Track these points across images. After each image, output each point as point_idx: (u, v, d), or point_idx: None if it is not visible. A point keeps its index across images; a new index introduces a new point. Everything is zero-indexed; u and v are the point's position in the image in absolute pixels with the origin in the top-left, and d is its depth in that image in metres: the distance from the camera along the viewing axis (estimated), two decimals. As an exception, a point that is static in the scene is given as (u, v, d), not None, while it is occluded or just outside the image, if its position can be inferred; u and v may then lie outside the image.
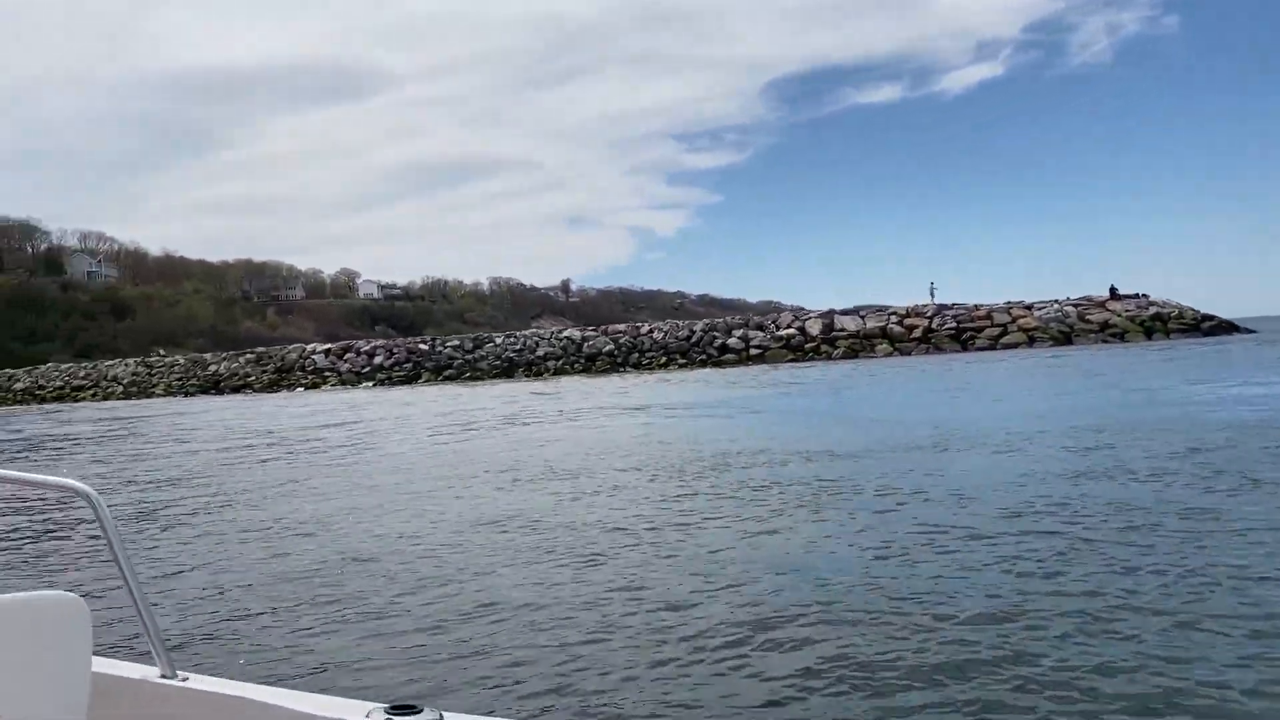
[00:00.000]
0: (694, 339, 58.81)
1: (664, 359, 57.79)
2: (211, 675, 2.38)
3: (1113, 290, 53.21)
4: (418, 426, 23.98)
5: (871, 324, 56.21)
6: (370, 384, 59.69)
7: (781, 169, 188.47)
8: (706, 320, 60.76)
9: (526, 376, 58.30)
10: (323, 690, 2.47)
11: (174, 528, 10.72)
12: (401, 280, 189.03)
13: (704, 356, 57.30)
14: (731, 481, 11.68)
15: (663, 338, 59.69)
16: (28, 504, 12.92)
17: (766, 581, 6.69)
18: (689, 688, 4.75)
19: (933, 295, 57.20)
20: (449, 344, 63.95)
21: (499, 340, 63.35)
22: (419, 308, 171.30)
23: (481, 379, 58.44)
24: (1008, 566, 6.69)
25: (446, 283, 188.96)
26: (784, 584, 6.60)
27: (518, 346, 61.97)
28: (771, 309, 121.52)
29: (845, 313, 57.72)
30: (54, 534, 10.91)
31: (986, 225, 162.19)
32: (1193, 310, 51.69)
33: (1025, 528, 7.96)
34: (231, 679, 2.36)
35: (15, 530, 11.22)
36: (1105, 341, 50.19)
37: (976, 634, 5.23)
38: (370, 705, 2.07)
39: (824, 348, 55.49)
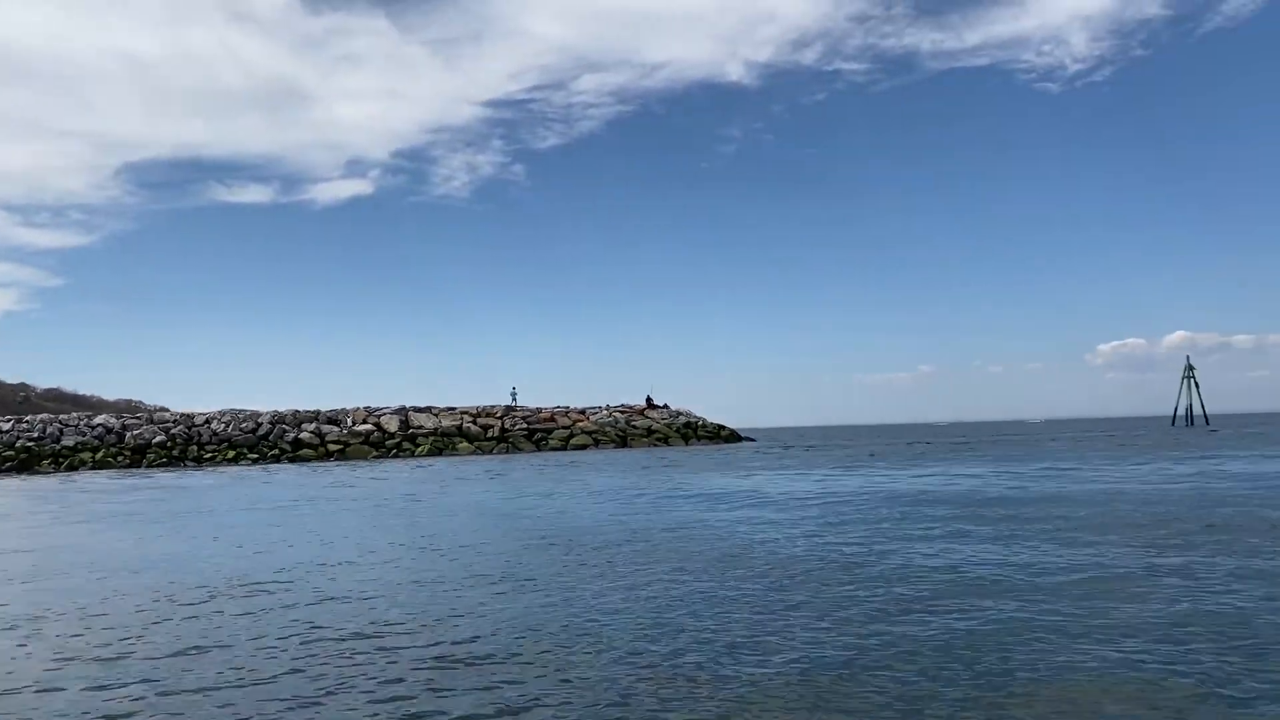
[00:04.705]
0: (261, 432, 55.69)
1: (231, 453, 53.82)
2: None
3: (649, 400, 62.83)
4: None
5: (448, 422, 58.74)
6: None
7: (139, 258, 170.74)
8: (273, 412, 57.79)
9: (55, 469, 49.91)
10: None
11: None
12: None
13: (276, 451, 54.64)
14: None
15: (225, 429, 55.47)
16: None
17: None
18: None
19: (514, 398, 61.34)
20: (-67, 429, 51.71)
21: (6, 426, 53.00)
22: None
23: (-9, 473, 48.52)
24: None
25: None
26: None
27: (35, 434, 52.60)
28: (132, 407, 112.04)
29: (420, 410, 59.37)
30: None
31: (353, 334, 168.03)
32: (712, 422, 63.30)
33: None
34: None
35: None
36: (654, 445, 59.10)
37: None
38: None
39: (406, 445, 56.56)
